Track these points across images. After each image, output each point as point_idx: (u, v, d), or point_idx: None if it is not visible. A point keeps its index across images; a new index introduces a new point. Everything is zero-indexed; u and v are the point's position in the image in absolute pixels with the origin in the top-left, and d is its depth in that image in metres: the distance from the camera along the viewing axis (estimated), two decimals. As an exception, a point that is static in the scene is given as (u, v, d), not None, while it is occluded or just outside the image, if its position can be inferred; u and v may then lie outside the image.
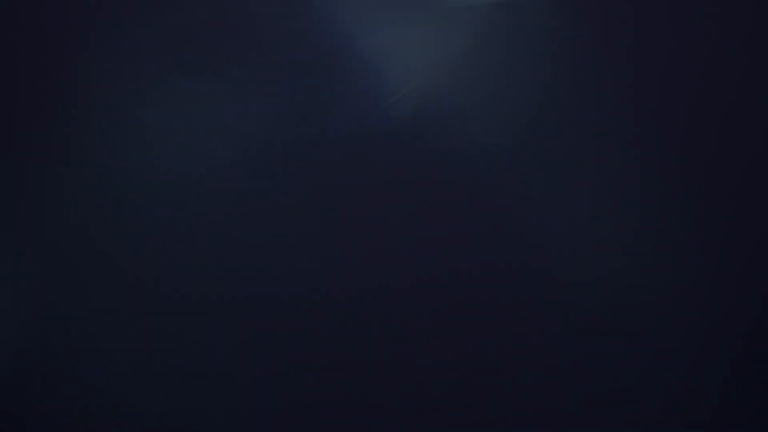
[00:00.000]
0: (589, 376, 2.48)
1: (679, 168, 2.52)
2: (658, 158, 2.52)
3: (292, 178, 2.52)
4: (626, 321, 2.48)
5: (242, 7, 2.56)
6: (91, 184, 2.53)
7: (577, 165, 2.51)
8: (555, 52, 2.49)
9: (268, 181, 2.53)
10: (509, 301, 2.49)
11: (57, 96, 2.55)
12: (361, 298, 2.49)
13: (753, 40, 2.52)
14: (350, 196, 2.51)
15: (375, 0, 2.53)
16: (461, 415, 2.48)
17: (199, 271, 2.51)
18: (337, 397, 2.48)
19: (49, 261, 2.52)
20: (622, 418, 2.47)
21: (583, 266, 2.49)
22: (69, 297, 2.51)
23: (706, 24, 2.52)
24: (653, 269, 2.49)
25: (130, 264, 2.51)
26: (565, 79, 2.53)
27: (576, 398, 2.47)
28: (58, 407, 2.49)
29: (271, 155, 2.53)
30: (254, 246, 2.51)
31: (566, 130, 2.52)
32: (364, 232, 2.51)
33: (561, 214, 2.50)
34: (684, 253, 2.50)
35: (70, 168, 2.54)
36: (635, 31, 2.53)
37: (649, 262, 2.49)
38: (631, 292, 2.49)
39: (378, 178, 2.52)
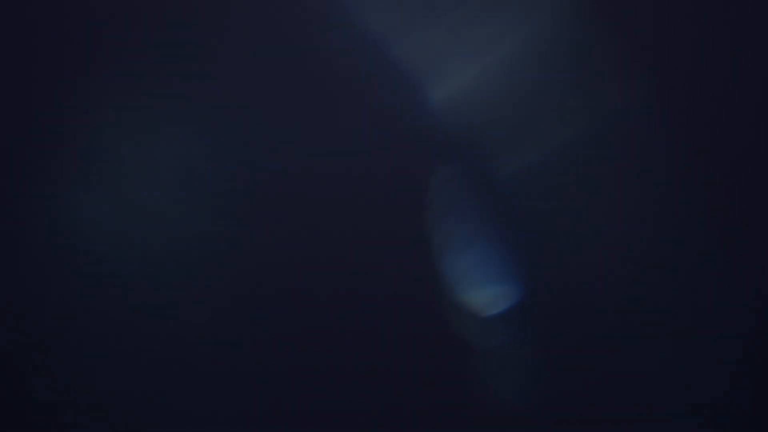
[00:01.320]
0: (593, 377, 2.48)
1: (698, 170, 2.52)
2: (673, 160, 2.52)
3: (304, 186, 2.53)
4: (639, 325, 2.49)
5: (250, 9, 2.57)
6: (88, 186, 2.54)
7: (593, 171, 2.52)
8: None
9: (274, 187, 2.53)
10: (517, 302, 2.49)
11: (55, 100, 2.56)
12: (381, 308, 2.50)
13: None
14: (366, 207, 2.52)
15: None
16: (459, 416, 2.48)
17: (196, 274, 2.51)
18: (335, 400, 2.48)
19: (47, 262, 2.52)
20: (621, 419, 2.47)
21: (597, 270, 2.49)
22: (65, 297, 2.51)
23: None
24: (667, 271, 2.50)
25: (130, 265, 2.51)
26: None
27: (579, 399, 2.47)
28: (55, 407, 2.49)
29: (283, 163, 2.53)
30: (255, 251, 2.52)
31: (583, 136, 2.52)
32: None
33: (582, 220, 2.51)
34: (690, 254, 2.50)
35: (65, 171, 2.54)
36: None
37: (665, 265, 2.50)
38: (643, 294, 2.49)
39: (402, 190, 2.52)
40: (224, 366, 2.49)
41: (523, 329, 2.46)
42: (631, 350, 2.48)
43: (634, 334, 2.48)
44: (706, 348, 2.47)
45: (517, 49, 2.51)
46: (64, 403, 2.48)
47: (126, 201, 2.52)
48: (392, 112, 2.52)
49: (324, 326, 2.49)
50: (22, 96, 2.55)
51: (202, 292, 2.51)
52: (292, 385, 2.48)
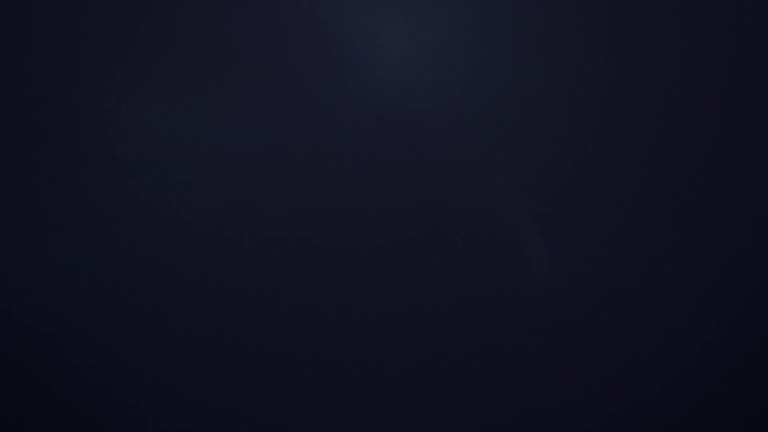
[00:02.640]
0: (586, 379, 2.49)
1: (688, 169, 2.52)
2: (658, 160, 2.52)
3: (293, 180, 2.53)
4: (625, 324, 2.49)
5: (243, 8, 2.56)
6: (93, 183, 2.54)
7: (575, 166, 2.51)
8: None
9: (270, 182, 2.53)
10: (506, 300, 2.50)
11: (57, 98, 2.56)
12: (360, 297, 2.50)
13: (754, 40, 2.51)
14: (353, 195, 2.52)
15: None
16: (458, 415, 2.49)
17: (199, 270, 2.52)
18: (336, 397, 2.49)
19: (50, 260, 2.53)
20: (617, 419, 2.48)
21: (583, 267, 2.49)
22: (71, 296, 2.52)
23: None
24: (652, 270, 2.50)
25: (133, 264, 2.52)
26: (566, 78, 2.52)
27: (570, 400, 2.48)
28: (59, 407, 2.51)
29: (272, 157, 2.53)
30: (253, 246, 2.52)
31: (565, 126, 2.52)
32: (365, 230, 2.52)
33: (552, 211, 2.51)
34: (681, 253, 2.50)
35: (70, 167, 2.55)
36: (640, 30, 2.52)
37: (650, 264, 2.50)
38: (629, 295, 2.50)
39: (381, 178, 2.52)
40: (224, 365, 2.50)
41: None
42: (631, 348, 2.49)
43: (633, 332, 2.49)
44: (704, 347, 2.48)
45: (517, 53, 2.50)
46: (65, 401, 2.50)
47: (129, 198, 2.53)
48: (391, 111, 2.52)
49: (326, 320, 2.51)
50: (23, 94, 2.56)
51: (202, 289, 2.52)
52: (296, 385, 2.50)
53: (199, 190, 2.53)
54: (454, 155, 2.50)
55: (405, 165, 2.51)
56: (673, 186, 2.50)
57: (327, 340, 2.50)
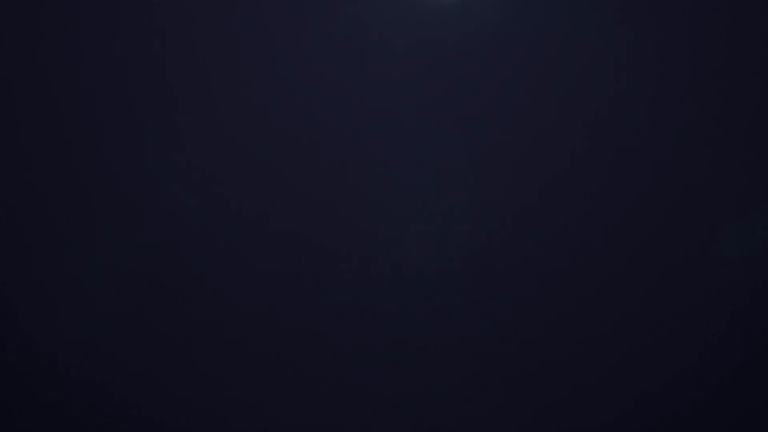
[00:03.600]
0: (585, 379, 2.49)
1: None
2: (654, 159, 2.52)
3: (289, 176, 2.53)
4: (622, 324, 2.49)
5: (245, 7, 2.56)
6: (93, 184, 2.54)
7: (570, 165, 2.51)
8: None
9: (268, 179, 2.53)
10: (508, 299, 2.50)
11: (57, 96, 2.55)
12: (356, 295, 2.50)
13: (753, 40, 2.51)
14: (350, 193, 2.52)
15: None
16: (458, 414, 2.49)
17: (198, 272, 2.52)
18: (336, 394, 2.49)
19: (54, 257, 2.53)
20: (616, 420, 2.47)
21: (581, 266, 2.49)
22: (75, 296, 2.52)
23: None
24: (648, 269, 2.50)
25: (133, 263, 2.52)
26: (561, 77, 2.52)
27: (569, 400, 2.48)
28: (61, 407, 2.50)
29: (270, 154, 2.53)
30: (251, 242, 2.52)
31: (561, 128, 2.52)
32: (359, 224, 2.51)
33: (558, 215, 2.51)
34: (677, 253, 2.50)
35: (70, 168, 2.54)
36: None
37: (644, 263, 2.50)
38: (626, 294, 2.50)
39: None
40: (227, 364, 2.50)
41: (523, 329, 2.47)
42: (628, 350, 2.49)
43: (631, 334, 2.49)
44: (704, 348, 2.48)
45: (518, 48, 2.50)
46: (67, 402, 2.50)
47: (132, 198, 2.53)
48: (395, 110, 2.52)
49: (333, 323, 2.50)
50: (24, 94, 2.55)
51: (202, 288, 2.52)
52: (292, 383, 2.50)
53: (198, 190, 2.52)
54: (455, 153, 2.50)
55: (405, 164, 2.51)
56: (672, 186, 2.50)
57: (325, 340, 2.50)
